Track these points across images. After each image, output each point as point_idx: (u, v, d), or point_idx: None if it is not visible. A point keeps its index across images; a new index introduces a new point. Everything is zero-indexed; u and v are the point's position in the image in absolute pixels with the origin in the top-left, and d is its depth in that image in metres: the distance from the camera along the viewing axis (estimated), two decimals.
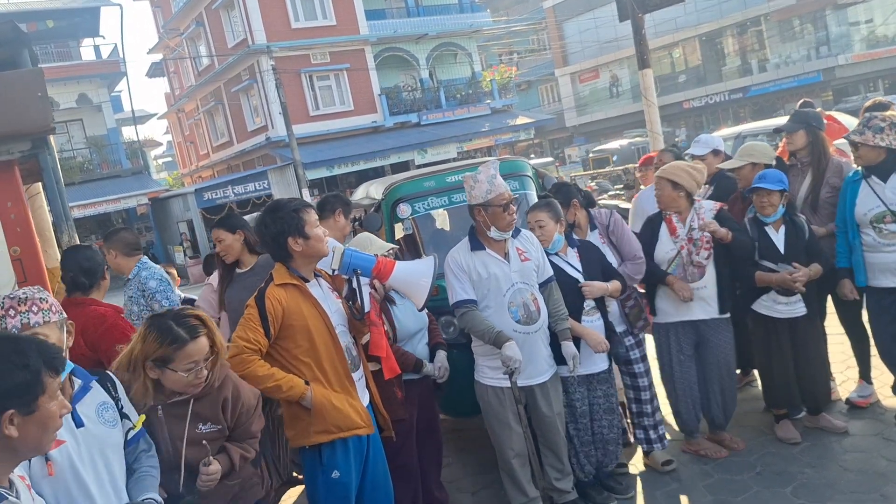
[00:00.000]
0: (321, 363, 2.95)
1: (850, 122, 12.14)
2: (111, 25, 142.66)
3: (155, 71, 37.54)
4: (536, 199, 4.55)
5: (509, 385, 3.49)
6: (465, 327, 3.55)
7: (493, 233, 3.53)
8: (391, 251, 3.68)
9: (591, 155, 25.18)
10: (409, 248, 4.74)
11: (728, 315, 4.08)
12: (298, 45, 26.92)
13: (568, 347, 3.54)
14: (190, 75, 33.08)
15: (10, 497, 1.63)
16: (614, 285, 3.82)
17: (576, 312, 3.75)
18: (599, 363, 3.83)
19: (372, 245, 3.67)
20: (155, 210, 26.41)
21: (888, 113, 3.99)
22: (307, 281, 3.02)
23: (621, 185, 15.06)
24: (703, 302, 3.99)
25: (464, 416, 4.54)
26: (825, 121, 4.57)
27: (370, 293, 3.31)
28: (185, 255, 23.72)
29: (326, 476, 2.96)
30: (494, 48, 39.59)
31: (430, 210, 4.89)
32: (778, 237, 3.99)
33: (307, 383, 2.90)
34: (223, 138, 31.58)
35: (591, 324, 3.77)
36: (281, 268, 3.00)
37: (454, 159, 29.49)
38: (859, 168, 4.05)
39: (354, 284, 3.04)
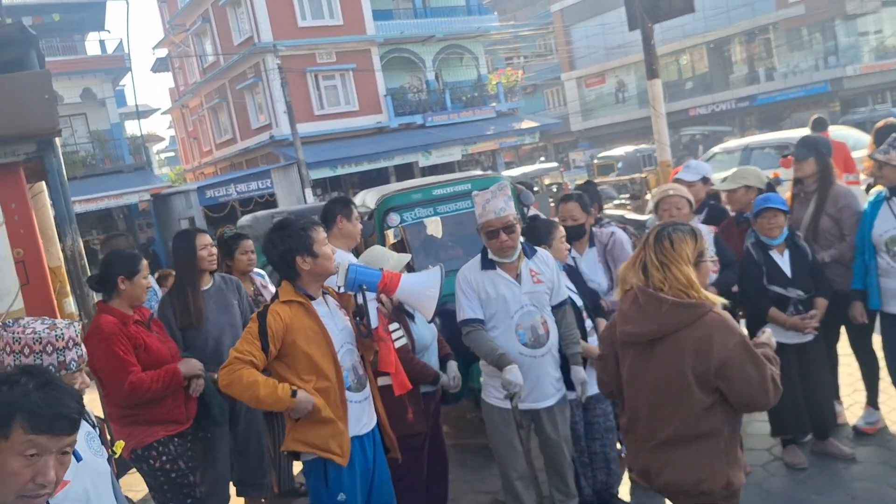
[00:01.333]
0: (318, 383, 2.92)
1: (857, 135, 12.09)
2: (117, 20, 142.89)
3: (160, 66, 37.52)
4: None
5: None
6: (470, 346, 3.51)
7: (492, 255, 3.51)
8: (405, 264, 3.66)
9: (595, 161, 25.07)
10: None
11: None
12: (304, 45, 26.87)
13: (578, 373, 3.51)
14: (195, 72, 33.04)
15: None
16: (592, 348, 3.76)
17: (582, 334, 3.73)
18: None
19: (387, 259, 3.64)
20: (157, 206, 26.32)
21: None
22: (313, 299, 2.99)
23: (627, 195, 14.97)
24: None
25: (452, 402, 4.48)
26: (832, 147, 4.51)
27: (378, 308, 3.30)
28: None
29: (332, 498, 2.91)
30: (501, 51, 39.53)
31: (417, 220, 5.32)
32: (783, 261, 3.95)
33: (294, 394, 2.82)
34: (227, 135, 31.52)
35: (594, 343, 3.78)
36: (287, 286, 2.98)
37: (458, 162, 29.46)
38: (883, 189, 3.98)
39: (360, 300, 2.99)
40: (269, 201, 23.10)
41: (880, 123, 5.38)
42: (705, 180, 4.83)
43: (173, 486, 3.46)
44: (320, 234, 2.98)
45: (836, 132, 10.90)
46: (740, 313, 4.19)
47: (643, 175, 15.43)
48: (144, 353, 3.37)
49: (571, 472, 3.68)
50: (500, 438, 3.59)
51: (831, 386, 4.23)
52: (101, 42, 29.08)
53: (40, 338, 2.10)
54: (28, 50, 3.89)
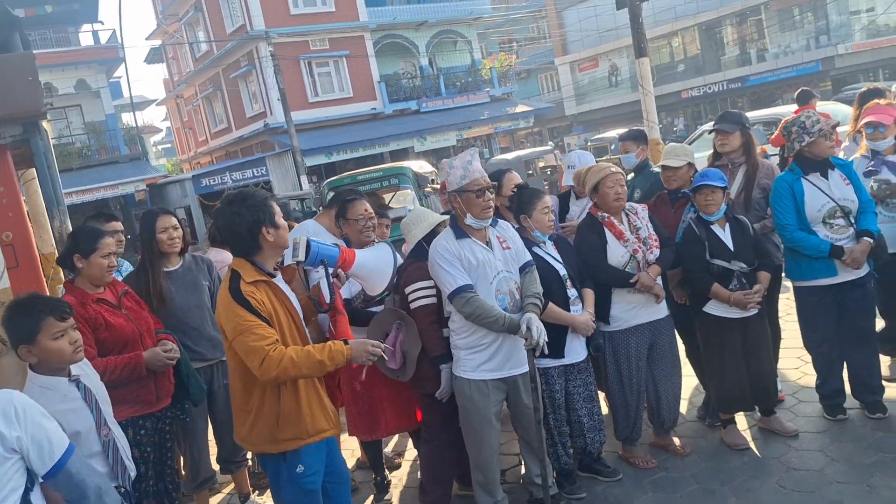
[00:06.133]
0: None
1: (847, 111, 12.20)
2: (110, 11, 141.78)
3: (154, 57, 37.47)
4: (415, 198, 6.81)
5: (492, 378, 3.46)
6: (471, 315, 3.34)
7: (469, 220, 3.46)
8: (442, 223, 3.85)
9: (589, 143, 25.14)
10: None
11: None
12: (297, 32, 26.87)
13: (531, 320, 3.30)
14: (189, 61, 33.02)
15: None
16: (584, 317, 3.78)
17: (563, 304, 3.72)
18: (580, 352, 3.83)
19: (430, 216, 3.91)
20: (153, 196, 26.37)
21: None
22: (273, 276, 2.90)
23: None
24: (652, 301, 3.94)
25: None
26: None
27: (333, 282, 3.20)
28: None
29: (292, 470, 2.86)
30: (494, 36, 39.45)
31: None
32: (725, 234, 3.95)
33: (346, 342, 2.77)
34: (222, 124, 31.56)
35: (576, 313, 3.76)
36: (244, 264, 2.82)
37: (454, 147, 29.51)
38: (791, 168, 4.07)
39: (320, 275, 2.97)
40: (265, 188, 23.17)
41: (863, 88, 5.50)
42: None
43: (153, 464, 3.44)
44: (276, 206, 2.93)
45: (824, 107, 11.01)
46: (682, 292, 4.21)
47: None
48: (106, 331, 3.26)
49: (544, 441, 3.62)
50: (475, 414, 3.49)
51: (774, 361, 4.25)
52: (95, 33, 29.13)
53: None
54: (12, 32, 3.95)
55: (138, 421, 3.38)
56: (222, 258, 4.40)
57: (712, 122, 4.77)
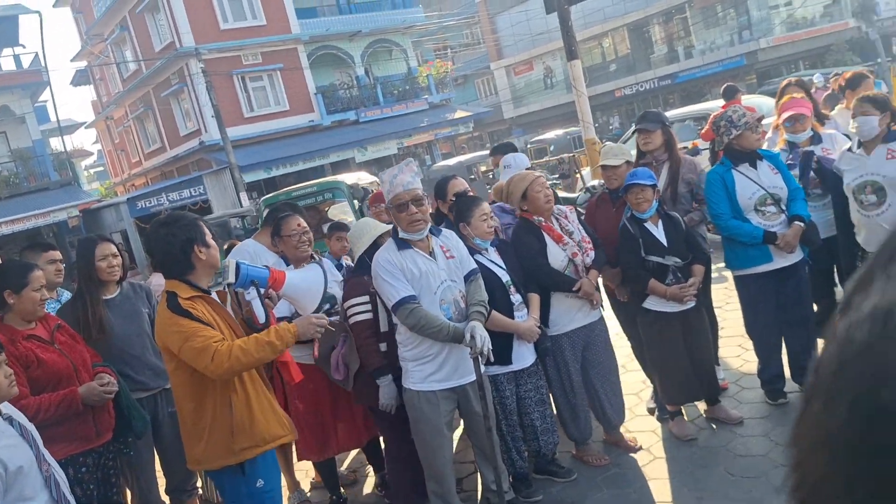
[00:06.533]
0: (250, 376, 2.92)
1: (771, 103, 12.65)
2: (31, 33, 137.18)
3: (80, 79, 36.34)
4: (350, 210, 8.10)
5: (441, 388, 3.45)
6: (415, 326, 3.34)
7: (402, 233, 3.46)
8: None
9: (529, 146, 25.44)
10: None
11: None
12: (228, 47, 26.40)
13: (475, 328, 3.29)
14: (117, 81, 32.12)
15: None
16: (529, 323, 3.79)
17: (507, 310, 3.72)
18: (528, 357, 3.84)
19: (372, 228, 3.92)
20: (87, 222, 25.54)
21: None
22: (208, 293, 2.98)
23: (556, 175, 15.29)
24: (587, 305, 4.00)
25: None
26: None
27: (265, 302, 3.25)
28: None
29: (251, 486, 2.88)
30: (429, 43, 39.60)
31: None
32: (658, 231, 4.05)
33: (290, 320, 2.87)
34: (155, 144, 30.78)
35: (521, 319, 3.77)
36: (179, 284, 2.89)
37: (395, 155, 29.46)
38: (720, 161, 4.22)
39: (250, 296, 3.01)
40: (204, 208, 22.71)
41: (784, 82, 5.73)
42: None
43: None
44: (205, 226, 3.00)
45: (750, 100, 11.39)
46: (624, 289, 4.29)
47: (571, 155, 15.80)
48: (38, 369, 3.17)
49: (499, 448, 3.63)
50: (426, 425, 3.48)
51: (714, 351, 4.38)
52: (16, 57, 28.00)
53: None
54: None
55: (78, 458, 3.27)
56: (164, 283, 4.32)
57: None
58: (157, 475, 4.10)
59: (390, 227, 3.82)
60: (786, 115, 4.53)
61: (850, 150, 4.19)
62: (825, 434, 0.40)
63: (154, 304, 4.05)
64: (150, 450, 3.97)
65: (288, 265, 4.05)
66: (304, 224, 4.17)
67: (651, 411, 4.57)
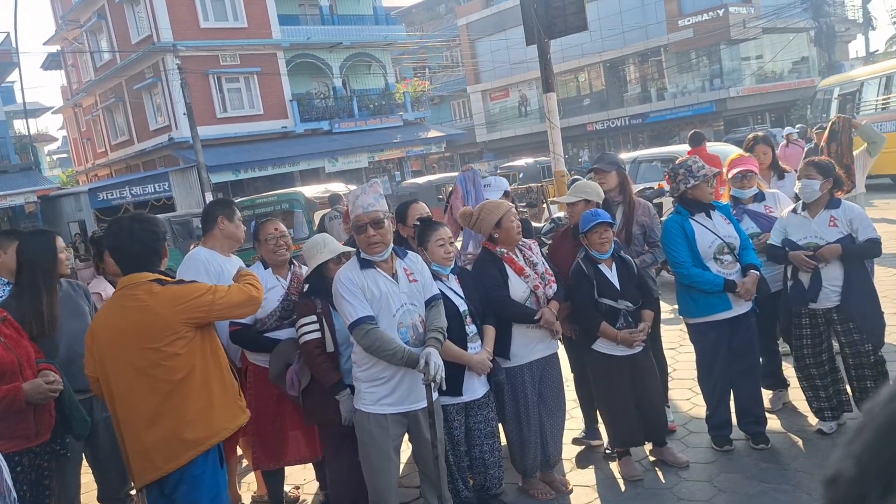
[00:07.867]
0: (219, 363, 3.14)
1: (737, 152, 12.99)
2: (4, 13, 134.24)
3: (51, 63, 35.63)
4: (305, 224, 7.93)
5: (392, 412, 3.41)
6: (370, 347, 3.28)
7: (364, 254, 3.45)
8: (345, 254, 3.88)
9: (498, 171, 25.66)
10: None
11: None
12: (207, 46, 26.22)
13: (430, 355, 3.25)
14: (90, 69, 31.58)
15: None
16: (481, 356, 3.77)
17: (461, 340, 3.67)
18: (479, 389, 3.79)
19: (325, 247, 3.87)
20: (44, 209, 24.93)
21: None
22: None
23: (524, 204, 15.42)
24: (548, 337, 4.02)
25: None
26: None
27: None
28: (75, 257, 22.50)
29: (222, 477, 3.11)
30: (408, 62, 39.83)
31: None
32: (612, 274, 4.07)
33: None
34: (123, 136, 30.28)
35: (474, 350, 3.73)
36: (151, 274, 3.07)
37: (366, 168, 29.44)
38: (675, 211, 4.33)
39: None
40: (167, 205, 22.37)
41: (750, 136, 5.88)
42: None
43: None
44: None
45: (715, 148, 11.68)
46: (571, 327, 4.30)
47: (540, 184, 15.94)
48: None
49: (444, 476, 3.57)
50: (374, 448, 3.43)
51: (662, 393, 4.43)
52: None
53: None
54: None
55: (14, 457, 3.10)
56: (101, 288, 4.32)
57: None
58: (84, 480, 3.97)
59: (347, 249, 3.85)
60: (735, 171, 4.66)
61: (794, 211, 4.33)
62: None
63: (92, 302, 3.95)
64: (80, 454, 3.82)
65: (266, 269, 4.09)
66: (282, 228, 4.21)
67: (577, 441, 4.61)
